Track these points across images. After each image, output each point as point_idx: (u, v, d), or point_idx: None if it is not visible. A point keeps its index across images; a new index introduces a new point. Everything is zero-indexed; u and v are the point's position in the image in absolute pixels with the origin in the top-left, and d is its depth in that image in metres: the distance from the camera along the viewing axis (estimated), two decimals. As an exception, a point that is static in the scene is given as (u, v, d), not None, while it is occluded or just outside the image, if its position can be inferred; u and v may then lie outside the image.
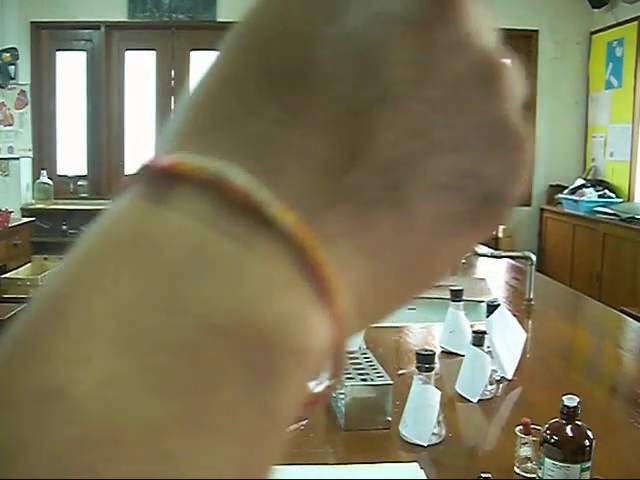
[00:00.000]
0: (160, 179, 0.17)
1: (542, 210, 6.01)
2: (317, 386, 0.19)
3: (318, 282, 0.17)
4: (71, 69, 5.90)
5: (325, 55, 0.18)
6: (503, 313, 1.56)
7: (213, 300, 0.16)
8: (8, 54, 5.43)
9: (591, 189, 5.47)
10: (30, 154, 5.71)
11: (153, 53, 5.92)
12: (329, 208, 0.18)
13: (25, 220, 4.99)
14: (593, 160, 5.93)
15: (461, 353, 1.56)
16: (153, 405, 0.15)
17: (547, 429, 1.02)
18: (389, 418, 1.25)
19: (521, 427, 1.10)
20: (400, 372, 1.50)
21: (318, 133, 0.18)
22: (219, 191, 0.16)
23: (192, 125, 0.18)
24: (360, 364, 1.33)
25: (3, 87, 5.53)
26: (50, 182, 5.63)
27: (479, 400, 1.38)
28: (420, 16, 0.19)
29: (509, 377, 1.49)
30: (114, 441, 0.14)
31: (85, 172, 5.97)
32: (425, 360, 1.21)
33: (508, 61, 0.23)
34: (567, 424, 1.01)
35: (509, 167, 0.21)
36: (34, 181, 5.67)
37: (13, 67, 5.49)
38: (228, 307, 0.16)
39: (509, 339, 1.54)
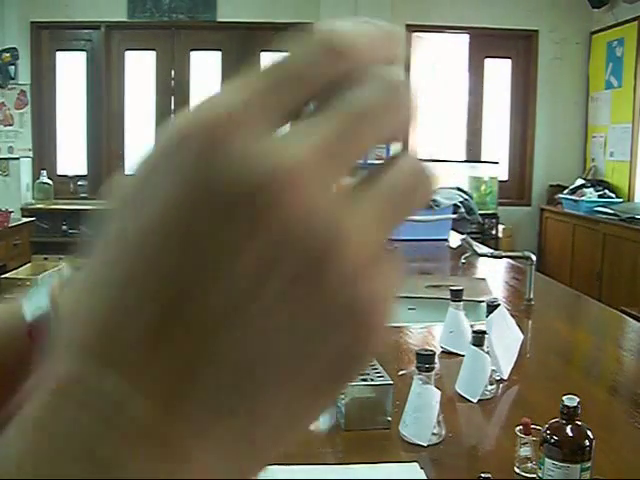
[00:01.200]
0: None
1: (542, 210, 6.02)
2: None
3: (181, 467, 0.21)
4: (71, 69, 5.90)
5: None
6: (502, 313, 1.56)
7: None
8: (8, 54, 5.43)
9: (591, 189, 5.47)
10: (30, 154, 5.71)
11: (153, 53, 5.92)
12: (185, 403, 0.21)
13: (25, 220, 4.99)
14: (593, 160, 5.93)
15: (461, 353, 1.56)
16: None
17: (547, 429, 1.02)
18: (389, 418, 1.25)
19: (521, 427, 1.10)
20: (400, 372, 1.50)
21: (172, 355, 0.21)
22: (101, 391, 0.21)
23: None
24: (360, 364, 1.33)
25: (3, 87, 5.54)
26: (50, 182, 5.63)
27: (479, 400, 1.38)
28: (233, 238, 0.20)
29: (505, 377, 1.50)
30: None
31: (85, 172, 5.98)
32: (425, 360, 1.21)
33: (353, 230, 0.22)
34: (567, 424, 1.01)
35: (355, 339, 0.22)
36: (34, 181, 5.67)
37: (13, 67, 5.49)
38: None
39: (507, 339, 1.54)
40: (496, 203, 5.73)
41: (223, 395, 0.21)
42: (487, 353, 1.40)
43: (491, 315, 1.51)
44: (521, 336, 1.60)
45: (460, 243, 2.61)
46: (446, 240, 3.55)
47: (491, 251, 2.59)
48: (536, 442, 1.05)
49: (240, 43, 5.87)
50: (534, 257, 2.20)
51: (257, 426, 0.22)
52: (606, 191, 5.45)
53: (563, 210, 5.63)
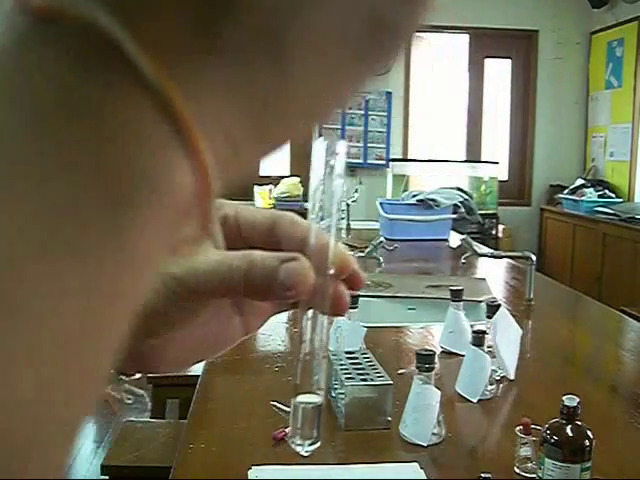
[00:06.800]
0: (35, 19, 0.16)
1: (542, 210, 6.02)
2: None
3: (178, 131, 0.17)
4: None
5: None
6: (505, 314, 1.56)
7: (78, 145, 0.16)
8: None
9: (591, 189, 5.47)
10: (30, 154, 5.71)
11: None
12: (196, 61, 0.17)
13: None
14: (593, 160, 5.93)
15: (461, 353, 1.56)
16: (24, 227, 0.16)
17: (547, 429, 1.02)
18: (389, 418, 1.25)
19: (521, 427, 1.10)
20: (400, 372, 1.50)
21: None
22: (83, 30, 0.16)
23: None
24: (360, 364, 1.33)
25: (3, 87, 5.54)
26: (50, 182, 5.63)
27: (479, 400, 1.38)
28: None
29: (512, 377, 1.50)
30: None
31: (85, 172, 5.98)
32: (425, 360, 1.21)
33: None
34: (567, 424, 1.01)
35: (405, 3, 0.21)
36: (34, 181, 5.68)
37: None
38: (89, 149, 0.16)
39: (510, 340, 1.54)
40: (496, 203, 5.73)
41: (244, 58, 0.18)
42: (487, 353, 1.40)
43: (495, 317, 1.51)
44: (520, 331, 1.60)
45: (460, 243, 2.61)
46: (446, 240, 3.55)
47: (491, 251, 2.59)
48: (536, 442, 1.05)
49: (240, 43, 5.88)
50: (534, 257, 2.20)
51: (272, 108, 0.19)
52: (606, 191, 5.45)
53: (563, 210, 5.63)
